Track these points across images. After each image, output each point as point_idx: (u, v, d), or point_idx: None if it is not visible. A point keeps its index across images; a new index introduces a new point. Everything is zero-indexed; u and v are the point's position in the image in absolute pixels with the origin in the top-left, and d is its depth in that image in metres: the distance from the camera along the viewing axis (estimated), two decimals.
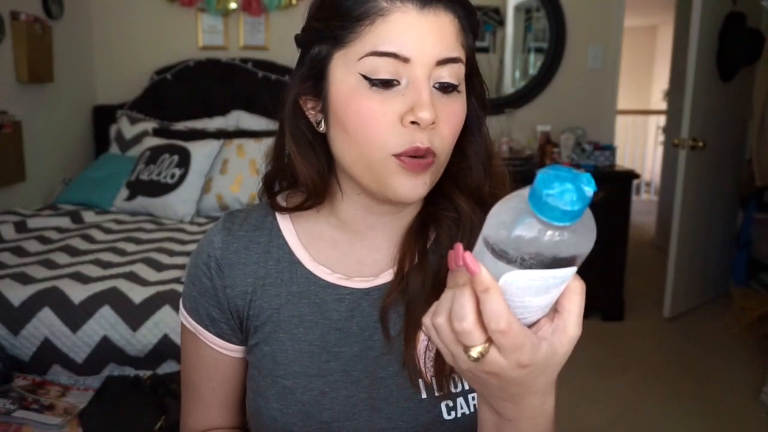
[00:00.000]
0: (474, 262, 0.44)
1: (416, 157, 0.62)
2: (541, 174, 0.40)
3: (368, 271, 0.72)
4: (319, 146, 0.70)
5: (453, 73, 0.63)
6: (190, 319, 0.76)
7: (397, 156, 0.62)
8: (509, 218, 0.42)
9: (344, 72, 0.63)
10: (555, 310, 0.48)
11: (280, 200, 0.76)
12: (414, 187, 0.63)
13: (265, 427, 0.72)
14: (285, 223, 0.75)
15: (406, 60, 0.60)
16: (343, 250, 0.73)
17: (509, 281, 0.43)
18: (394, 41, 0.60)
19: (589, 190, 0.40)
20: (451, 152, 0.67)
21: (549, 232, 0.41)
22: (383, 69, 0.61)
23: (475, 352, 0.46)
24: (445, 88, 0.63)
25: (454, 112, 0.64)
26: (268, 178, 0.75)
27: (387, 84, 0.61)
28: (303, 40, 0.68)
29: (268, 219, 0.75)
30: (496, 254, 0.43)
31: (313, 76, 0.66)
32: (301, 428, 0.69)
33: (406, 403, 0.69)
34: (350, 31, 0.61)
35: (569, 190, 0.39)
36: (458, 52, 0.63)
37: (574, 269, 0.44)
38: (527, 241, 0.41)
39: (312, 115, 0.69)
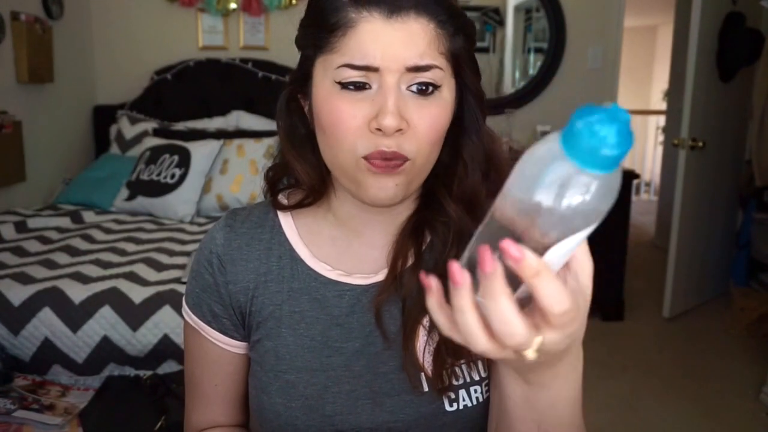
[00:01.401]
0: (517, 247, 0.38)
1: (384, 159, 0.62)
2: (580, 121, 0.35)
3: (368, 268, 0.73)
4: (317, 144, 0.71)
5: (428, 77, 0.62)
6: (193, 316, 0.76)
7: (365, 158, 0.63)
8: (539, 174, 0.36)
9: (323, 77, 0.65)
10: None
11: (282, 198, 0.77)
12: (383, 188, 0.63)
13: (269, 422, 0.72)
14: (286, 220, 0.76)
15: (376, 70, 0.61)
16: (342, 247, 0.74)
17: (552, 255, 0.38)
18: (363, 53, 0.61)
19: (628, 121, 0.35)
20: (437, 154, 0.66)
21: (593, 184, 0.35)
22: (355, 76, 0.62)
23: (532, 353, 0.42)
24: (423, 90, 0.63)
25: (430, 114, 0.63)
26: (271, 175, 0.77)
27: (358, 87, 0.62)
28: (297, 42, 0.70)
29: (270, 216, 0.76)
30: (526, 227, 0.38)
31: (302, 77, 0.69)
32: (304, 422, 0.70)
33: (408, 397, 0.70)
34: (327, 41, 0.63)
35: (613, 130, 0.34)
36: (432, 59, 0.62)
37: (596, 223, 0.39)
38: (569, 201, 0.36)
39: (307, 113, 0.71)
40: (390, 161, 0.62)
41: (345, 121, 0.62)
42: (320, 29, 0.64)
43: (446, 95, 0.64)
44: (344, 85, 0.62)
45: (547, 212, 0.37)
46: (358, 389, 0.70)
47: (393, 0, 0.61)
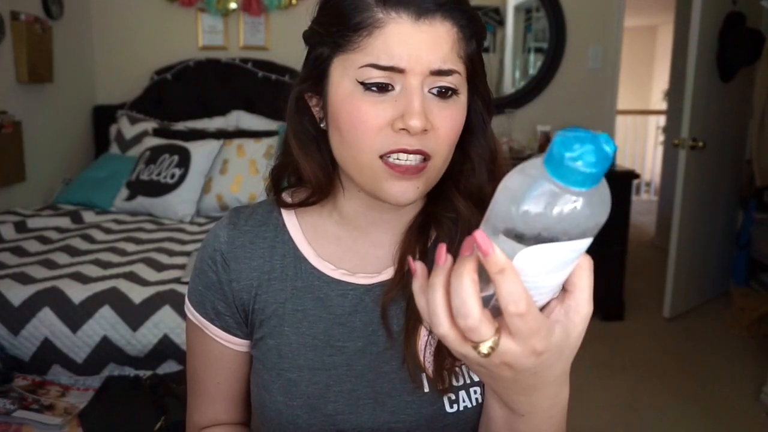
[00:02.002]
0: (487, 242, 0.40)
1: (406, 160, 0.63)
2: (559, 136, 0.38)
3: (371, 268, 0.73)
4: (324, 143, 0.71)
5: (449, 81, 0.64)
6: (196, 313, 0.77)
7: (384, 156, 0.63)
8: (522, 188, 0.39)
9: (342, 75, 0.64)
10: (564, 289, 0.46)
11: (286, 196, 0.77)
12: (405, 191, 0.64)
13: (270, 420, 0.72)
14: (290, 219, 0.76)
15: (401, 71, 0.61)
16: (347, 246, 0.74)
17: (525, 258, 0.40)
18: (391, 54, 0.61)
19: (610, 149, 0.37)
20: (452, 154, 0.67)
21: (569, 200, 0.38)
22: (379, 76, 0.62)
23: (485, 348, 0.43)
24: (443, 93, 0.64)
25: (451, 116, 0.64)
26: (275, 173, 0.77)
27: (382, 89, 0.62)
28: (308, 40, 0.69)
29: (274, 214, 0.76)
30: (507, 232, 0.40)
31: (315, 75, 0.68)
32: (305, 421, 0.70)
33: (409, 397, 0.70)
34: (349, 39, 0.63)
35: (590, 150, 0.37)
36: (453, 64, 0.63)
37: (589, 241, 0.40)
38: (543, 212, 0.38)
39: (316, 111, 0.71)
40: (413, 164, 0.63)
41: (366, 122, 0.63)
42: (342, 28, 0.63)
43: (462, 98, 0.66)
44: (367, 87, 0.62)
45: (524, 224, 0.39)
46: (359, 389, 0.70)
47: (421, 2, 0.61)
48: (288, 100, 0.72)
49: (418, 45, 0.61)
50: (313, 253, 0.74)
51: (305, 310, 0.72)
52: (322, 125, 0.70)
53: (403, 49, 0.61)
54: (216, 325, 0.75)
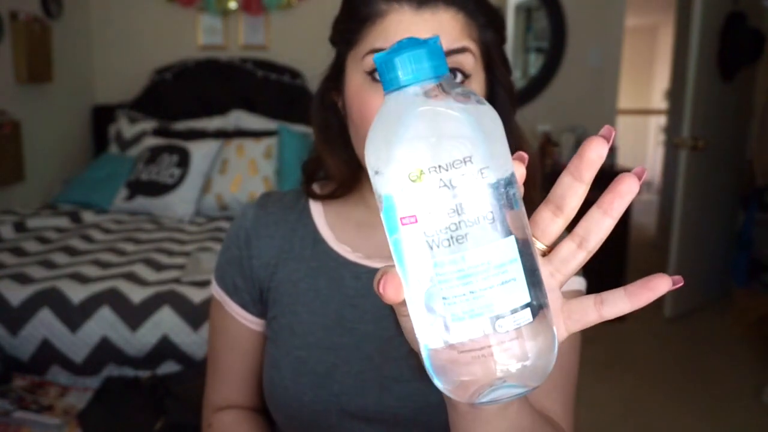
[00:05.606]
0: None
1: None
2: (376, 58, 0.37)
3: (389, 252, 0.73)
4: (351, 140, 0.72)
5: (458, 62, 0.63)
6: (218, 288, 0.80)
7: None
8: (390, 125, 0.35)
9: (353, 70, 0.66)
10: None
11: (316, 187, 0.80)
12: None
13: (277, 398, 0.74)
14: (316, 206, 0.79)
15: None
16: (367, 233, 0.76)
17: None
18: (390, 39, 0.62)
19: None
20: None
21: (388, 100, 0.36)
22: None
23: None
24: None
25: None
26: (308, 166, 0.79)
27: None
28: (331, 40, 0.72)
29: (301, 201, 0.80)
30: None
31: (335, 73, 0.71)
32: (311, 398, 0.71)
33: (417, 384, 0.70)
34: (356, 32, 0.65)
35: (405, 47, 0.35)
36: (463, 44, 0.63)
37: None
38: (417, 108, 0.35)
39: (341, 109, 0.72)
40: None
41: (373, 114, 0.62)
42: (351, 22, 0.65)
43: (475, 87, 0.65)
44: (372, 75, 0.63)
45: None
46: (366, 371, 0.71)
47: None
48: (313, 99, 0.75)
49: (421, 32, 0.61)
50: (332, 236, 0.76)
51: (318, 290, 0.74)
52: (346, 122, 0.72)
53: (403, 35, 0.61)
54: (234, 300, 0.78)
